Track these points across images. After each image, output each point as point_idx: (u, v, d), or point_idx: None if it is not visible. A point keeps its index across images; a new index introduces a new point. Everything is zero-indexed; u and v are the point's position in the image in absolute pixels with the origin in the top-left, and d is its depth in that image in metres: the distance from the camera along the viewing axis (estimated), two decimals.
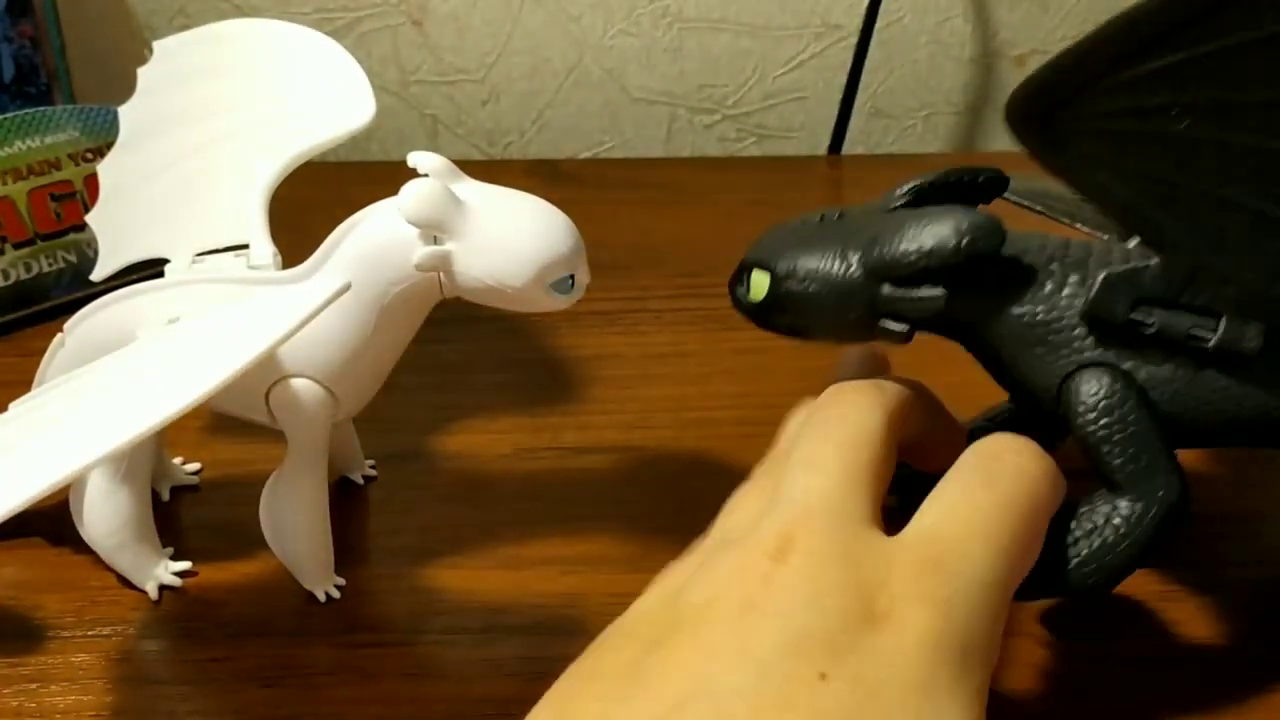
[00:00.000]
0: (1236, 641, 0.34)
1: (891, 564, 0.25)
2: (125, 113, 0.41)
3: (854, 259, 0.33)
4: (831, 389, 0.32)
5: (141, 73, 0.41)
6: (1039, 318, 0.32)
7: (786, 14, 0.68)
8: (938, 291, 0.31)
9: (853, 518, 0.27)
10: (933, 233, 0.31)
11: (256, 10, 0.66)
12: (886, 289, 0.32)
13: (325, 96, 0.38)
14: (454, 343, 0.49)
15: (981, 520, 0.27)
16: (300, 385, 0.34)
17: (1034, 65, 0.70)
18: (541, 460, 0.44)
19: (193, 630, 0.36)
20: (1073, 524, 0.31)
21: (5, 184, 0.50)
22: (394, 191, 0.32)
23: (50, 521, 0.38)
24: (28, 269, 0.51)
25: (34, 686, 0.34)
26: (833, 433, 0.29)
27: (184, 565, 0.38)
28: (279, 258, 0.36)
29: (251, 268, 0.36)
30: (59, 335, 0.37)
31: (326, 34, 0.39)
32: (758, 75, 0.69)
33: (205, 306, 0.35)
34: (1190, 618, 0.35)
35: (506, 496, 0.42)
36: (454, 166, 0.34)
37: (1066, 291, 0.32)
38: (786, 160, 0.70)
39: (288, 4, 0.66)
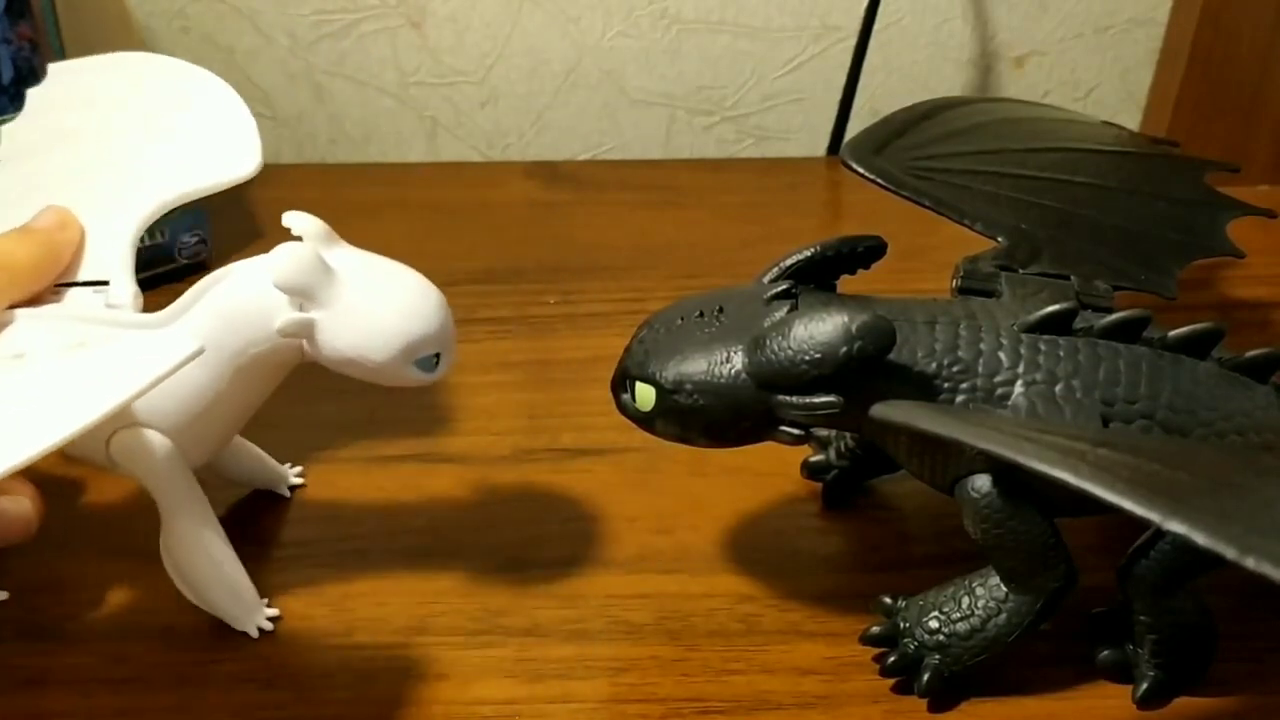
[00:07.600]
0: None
1: None
2: (7, 131, 0.40)
3: (740, 364, 0.32)
4: None
5: (31, 93, 0.40)
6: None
7: (785, 15, 0.68)
8: (833, 399, 0.31)
9: None
10: (822, 341, 0.30)
11: (254, 13, 0.66)
12: (780, 398, 0.31)
13: (212, 142, 0.37)
14: None
15: None
16: (143, 435, 0.33)
17: (1032, 67, 0.71)
18: (540, 462, 0.44)
19: (190, 632, 0.36)
20: (965, 599, 0.33)
21: None
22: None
23: (47, 523, 0.38)
24: None
25: (32, 689, 0.34)
26: None
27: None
28: (140, 298, 0.35)
29: (109, 306, 0.35)
30: None
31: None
32: (756, 77, 0.69)
33: (53, 343, 0.33)
34: None
35: (505, 498, 0.42)
36: (331, 231, 0.33)
37: (959, 401, 0.32)
38: (785, 162, 0.70)
39: (285, 6, 0.66)
